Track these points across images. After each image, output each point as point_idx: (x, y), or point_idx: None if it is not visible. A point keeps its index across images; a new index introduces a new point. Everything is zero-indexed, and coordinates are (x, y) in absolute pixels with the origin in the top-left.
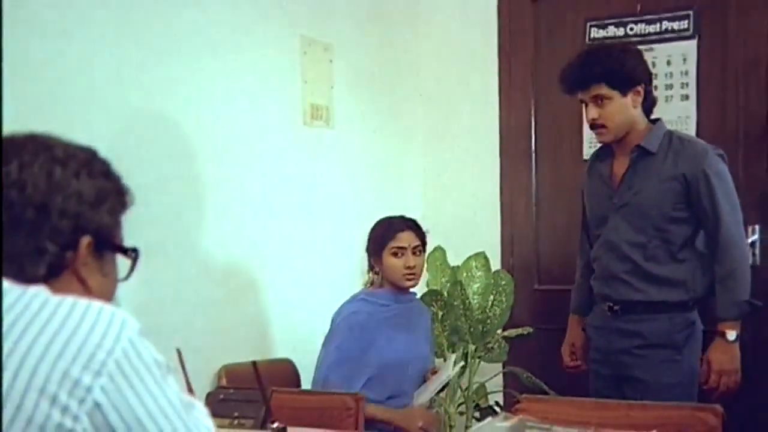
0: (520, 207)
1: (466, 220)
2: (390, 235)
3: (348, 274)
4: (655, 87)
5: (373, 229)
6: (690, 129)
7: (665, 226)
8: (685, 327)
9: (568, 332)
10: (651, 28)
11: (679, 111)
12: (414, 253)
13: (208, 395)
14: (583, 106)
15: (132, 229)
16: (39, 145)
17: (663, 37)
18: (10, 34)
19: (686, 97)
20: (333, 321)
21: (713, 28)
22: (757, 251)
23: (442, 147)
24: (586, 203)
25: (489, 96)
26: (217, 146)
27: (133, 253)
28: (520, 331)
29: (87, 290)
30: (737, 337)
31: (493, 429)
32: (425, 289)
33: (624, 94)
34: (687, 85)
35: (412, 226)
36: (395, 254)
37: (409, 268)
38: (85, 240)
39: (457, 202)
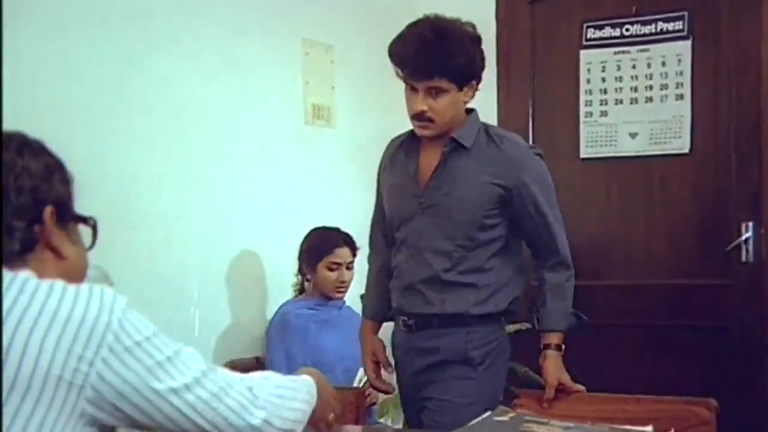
0: None
1: None
2: (327, 249)
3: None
4: (650, 87)
5: (310, 239)
6: (684, 128)
7: (474, 234)
8: (485, 344)
9: (363, 343)
10: (646, 29)
11: (673, 111)
12: (347, 268)
13: None
14: (409, 88)
15: (136, 226)
16: None
17: (658, 38)
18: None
19: (680, 97)
20: (267, 336)
21: (707, 29)
22: (750, 248)
23: None
24: (385, 198)
25: (487, 97)
26: (219, 146)
27: (92, 221)
28: (518, 326)
29: (61, 258)
30: (563, 348)
31: (491, 423)
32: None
33: (461, 89)
34: (681, 85)
35: (349, 241)
36: (330, 268)
37: (342, 282)
38: (48, 210)
39: None
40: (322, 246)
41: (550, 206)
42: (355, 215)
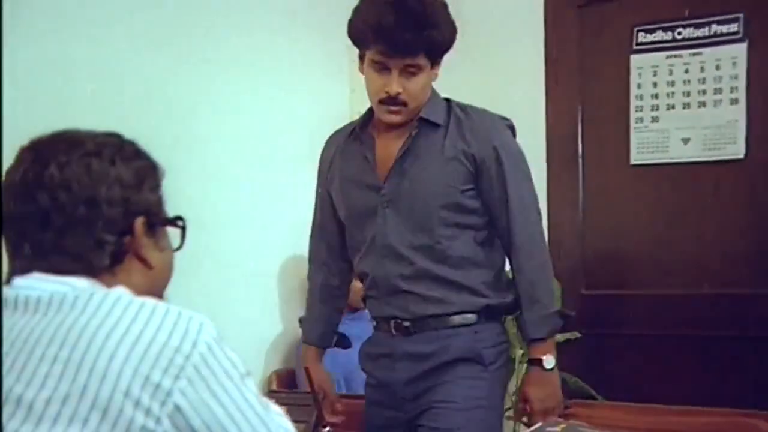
0: (566, 213)
1: None
2: None
3: None
4: (704, 91)
5: None
6: (739, 134)
7: (453, 218)
8: (496, 343)
9: (308, 373)
10: (699, 32)
11: (728, 116)
12: None
13: None
14: (376, 67)
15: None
16: (70, 143)
17: (712, 41)
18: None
19: (735, 102)
20: (297, 352)
21: (763, 32)
22: None
23: None
24: (337, 197)
25: (535, 103)
26: (265, 153)
27: (180, 221)
28: (568, 336)
29: (149, 267)
30: (555, 362)
31: None
32: None
33: (434, 66)
34: (736, 89)
35: None
36: (358, 278)
37: None
38: (139, 221)
39: None
40: None
41: (517, 181)
42: None
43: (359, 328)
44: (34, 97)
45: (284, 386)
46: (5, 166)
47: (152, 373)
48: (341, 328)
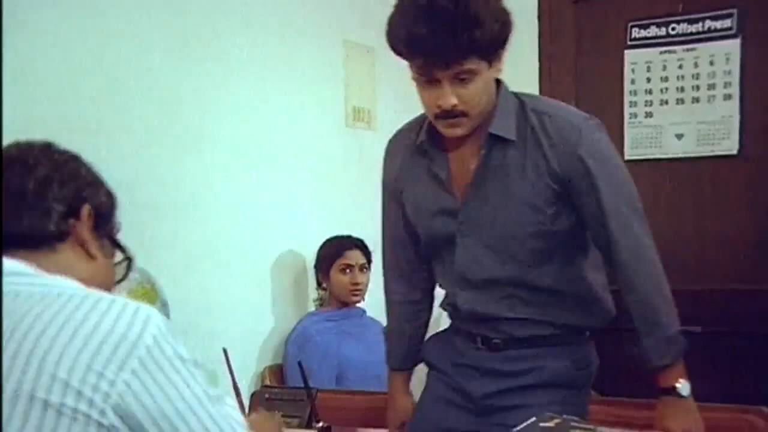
0: None
1: None
2: (339, 252)
3: None
4: (697, 87)
5: (322, 248)
6: (733, 129)
7: (545, 244)
8: (588, 364)
9: (391, 403)
10: (693, 28)
11: (722, 111)
12: (361, 270)
13: (254, 394)
14: (424, 81)
15: (182, 231)
16: (38, 146)
17: (705, 37)
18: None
19: (729, 97)
20: (285, 349)
21: (757, 27)
22: None
23: None
24: (410, 217)
25: None
26: (260, 148)
27: (127, 255)
28: None
29: (90, 258)
30: (689, 386)
31: (537, 429)
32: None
33: (491, 64)
34: (730, 84)
35: (359, 244)
36: (343, 271)
37: (355, 284)
38: (86, 208)
39: None
40: (333, 250)
41: (611, 192)
42: None
43: (351, 323)
44: (38, 95)
45: (278, 381)
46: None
47: (93, 362)
48: (332, 326)
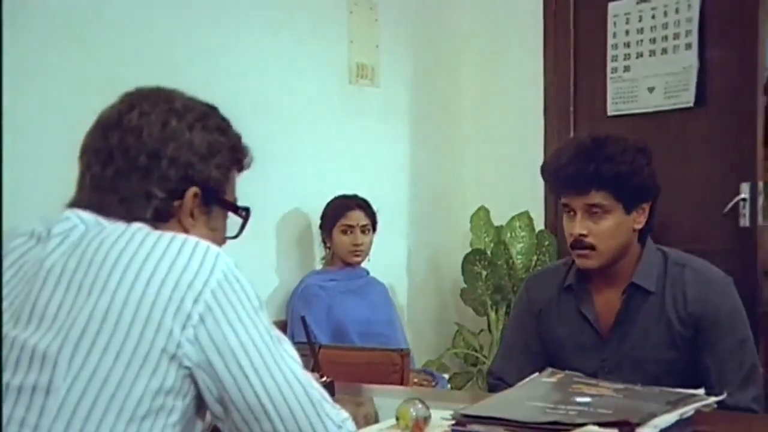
0: None
1: (510, 180)
2: (340, 213)
3: (393, 230)
4: (666, 37)
5: (327, 207)
6: (690, 79)
7: (677, 380)
8: None
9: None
10: None
11: (683, 62)
12: (362, 232)
13: None
14: (566, 212)
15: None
16: (160, 97)
17: None
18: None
19: (689, 47)
20: (289, 305)
21: None
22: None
23: (486, 105)
24: (551, 348)
25: (533, 52)
26: (263, 106)
27: (243, 212)
28: None
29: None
30: None
31: (538, 384)
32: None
33: (628, 210)
34: (689, 33)
35: (363, 205)
36: (344, 232)
37: (356, 245)
38: (192, 190)
39: (501, 162)
40: (335, 211)
41: (728, 348)
42: (399, 174)
43: (354, 283)
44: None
45: None
46: (5, 166)
47: (174, 294)
48: (335, 285)
